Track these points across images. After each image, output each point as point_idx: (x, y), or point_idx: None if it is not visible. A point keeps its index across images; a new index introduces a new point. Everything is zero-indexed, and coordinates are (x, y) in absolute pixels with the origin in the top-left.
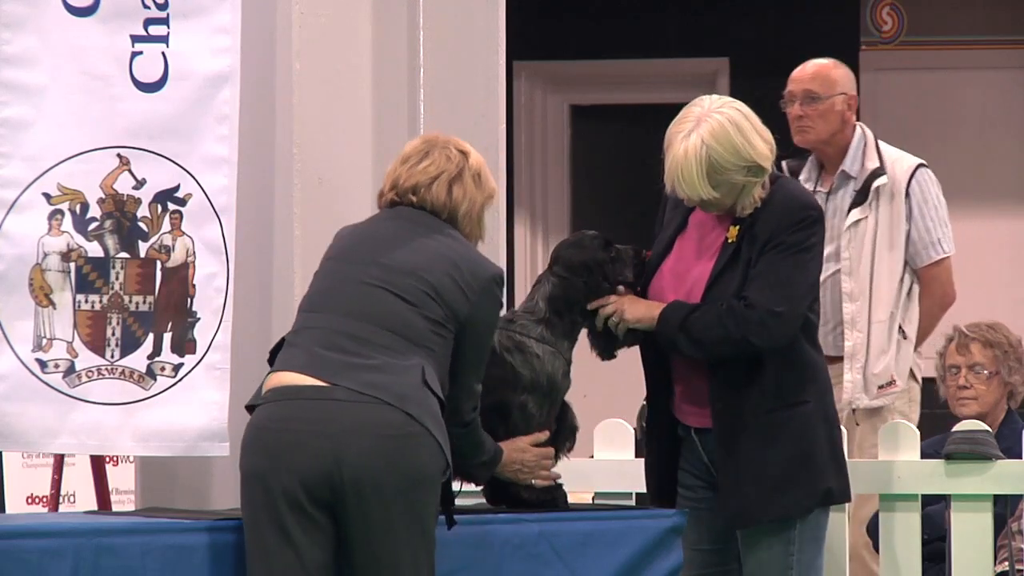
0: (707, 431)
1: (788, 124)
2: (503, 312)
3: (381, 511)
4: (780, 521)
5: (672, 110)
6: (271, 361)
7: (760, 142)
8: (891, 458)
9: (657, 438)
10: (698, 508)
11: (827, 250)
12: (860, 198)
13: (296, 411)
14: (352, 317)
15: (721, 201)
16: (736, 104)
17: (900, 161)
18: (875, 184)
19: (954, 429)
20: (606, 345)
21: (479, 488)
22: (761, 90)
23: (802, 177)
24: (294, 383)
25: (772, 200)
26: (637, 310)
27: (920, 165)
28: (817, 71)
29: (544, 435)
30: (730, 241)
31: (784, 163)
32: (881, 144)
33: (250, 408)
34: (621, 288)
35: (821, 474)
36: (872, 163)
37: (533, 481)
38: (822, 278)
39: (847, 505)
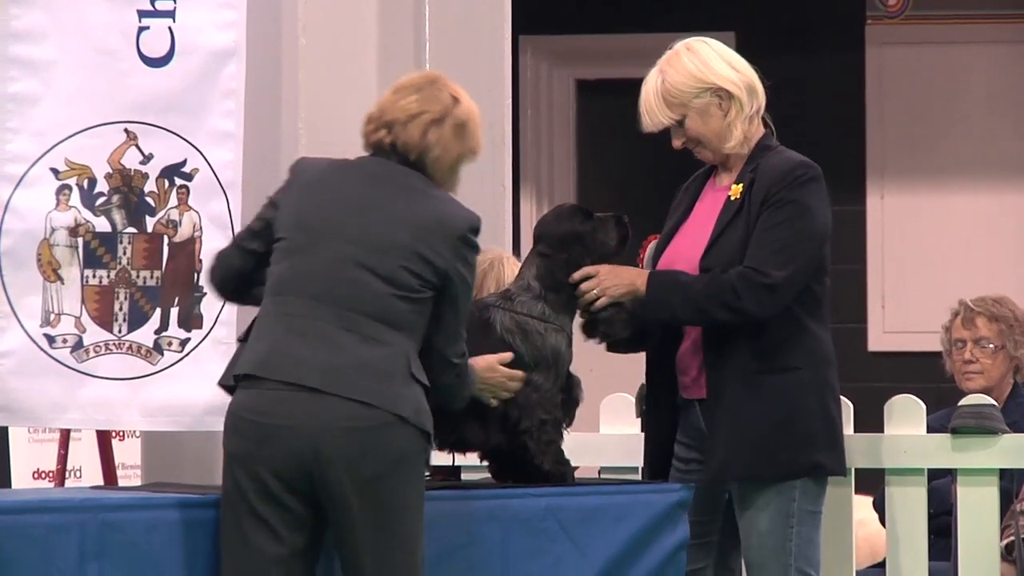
0: (704, 402)
1: (797, 100)
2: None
3: (356, 499)
4: (776, 492)
5: None
6: (243, 340)
7: (723, 65)
8: (897, 432)
9: (656, 415)
10: (685, 479)
11: None
12: None
13: (272, 404)
14: (332, 303)
15: (700, 133)
16: (703, 38)
17: None
18: None
19: (960, 403)
20: (603, 330)
21: (484, 463)
22: (768, 64)
23: None
24: (271, 376)
25: (770, 161)
26: (621, 282)
27: None
28: None
29: (509, 356)
30: (733, 199)
31: None
32: None
33: (226, 387)
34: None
35: (809, 444)
36: None
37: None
38: None
39: (853, 481)
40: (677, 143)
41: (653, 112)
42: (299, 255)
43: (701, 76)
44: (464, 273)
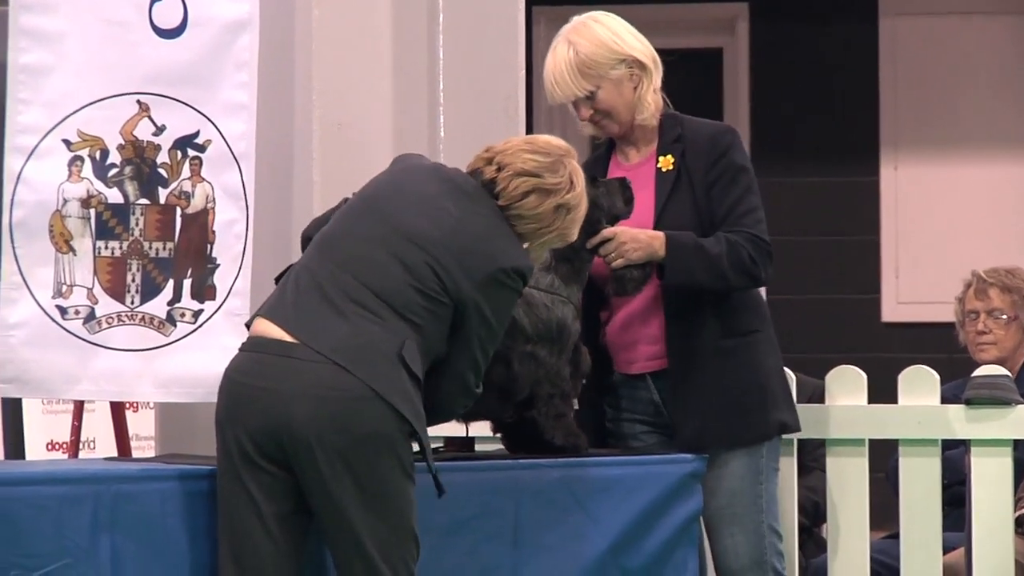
0: (660, 373)
1: (810, 71)
2: None
3: (328, 469)
4: (747, 452)
5: (691, 56)
6: (277, 280)
7: (631, 38)
8: (911, 403)
9: (587, 393)
10: (642, 452)
11: None
12: None
13: (257, 366)
14: (350, 274)
15: (613, 104)
16: (603, 13)
17: None
18: None
19: (974, 374)
20: (618, 287)
21: (497, 435)
22: (781, 35)
23: None
24: (266, 335)
25: (697, 131)
26: (639, 244)
27: None
28: None
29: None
30: (664, 170)
31: None
32: None
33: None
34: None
35: (775, 404)
36: None
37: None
38: None
39: (867, 452)
40: (585, 114)
41: (566, 84)
42: (348, 220)
43: (615, 47)
44: (484, 306)
